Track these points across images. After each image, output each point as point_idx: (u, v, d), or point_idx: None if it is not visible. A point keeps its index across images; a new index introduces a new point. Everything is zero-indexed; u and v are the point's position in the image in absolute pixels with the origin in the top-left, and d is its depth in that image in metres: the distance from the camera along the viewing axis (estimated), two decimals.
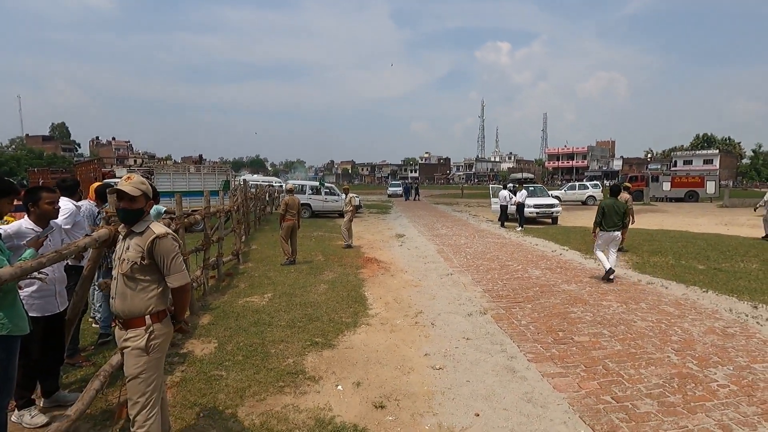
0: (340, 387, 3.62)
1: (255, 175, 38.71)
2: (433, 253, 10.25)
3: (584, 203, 29.76)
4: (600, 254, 7.34)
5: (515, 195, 15.77)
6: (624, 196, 10.36)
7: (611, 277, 7.10)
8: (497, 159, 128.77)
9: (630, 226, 10.38)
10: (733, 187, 53.53)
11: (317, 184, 20.95)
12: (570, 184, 34.38)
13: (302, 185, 20.69)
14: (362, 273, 7.99)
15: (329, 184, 21.73)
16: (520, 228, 14.80)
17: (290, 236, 8.82)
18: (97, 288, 4.65)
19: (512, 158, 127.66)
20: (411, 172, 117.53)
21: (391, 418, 3.16)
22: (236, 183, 17.43)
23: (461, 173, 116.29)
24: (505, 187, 16.87)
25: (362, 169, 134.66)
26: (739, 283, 6.92)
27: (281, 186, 24.77)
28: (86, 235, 3.19)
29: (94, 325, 4.83)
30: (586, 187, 31.32)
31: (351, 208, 11.20)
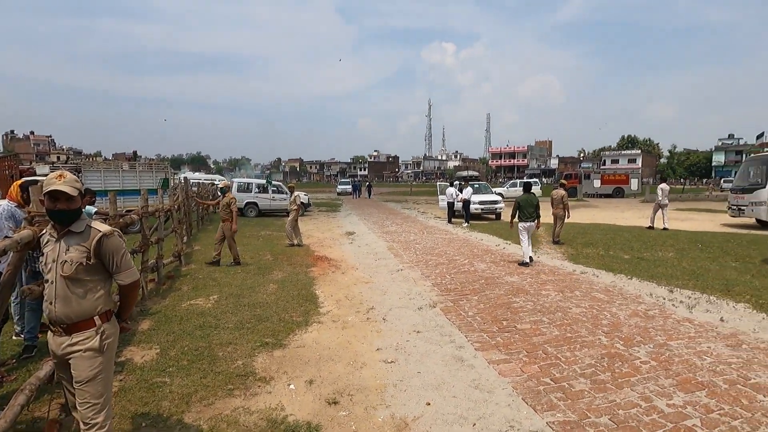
0: (292, 386, 3.58)
1: (197, 173, 36.86)
2: (384, 249, 10.35)
3: None
4: (524, 244, 8.39)
5: (461, 192, 16.32)
6: (560, 192, 11.10)
7: (528, 262, 8.24)
8: (444, 157, 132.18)
9: (566, 220, 11.16)
10: (653, 184, 58.95)
11: (264, 182, 20.38)
12: (512, 181, 36.10)
13: (248, 183, 20.04)
14: (312, 271, 7.91)
15: (277, 182, 21.20)
16: (466, 224, 15.34)
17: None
18: (14, 297, 4.24)
19: (458, 157, 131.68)
20: (360, 170, 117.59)
21: (344, 413, 3.18)
22: (176, 181, 16.49)
23: (409, 171, 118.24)
24: (451, 185, 17.41)
25: (311, 167, 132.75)
26: (658, 270, 7.66)
27: None
28: (5, 237, 2.90)
29: (14, 337, 4.40)
30: None
31: (296, 206, 11.01)
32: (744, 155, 53.18)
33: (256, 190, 19.34)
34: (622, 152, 77.96)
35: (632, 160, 72.88)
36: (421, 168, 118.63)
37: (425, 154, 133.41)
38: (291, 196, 11.32)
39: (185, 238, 10.52)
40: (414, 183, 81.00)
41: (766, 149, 28.30)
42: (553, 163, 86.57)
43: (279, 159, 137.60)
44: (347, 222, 17.09)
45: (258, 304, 5.76)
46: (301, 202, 14.30)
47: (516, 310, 5.54)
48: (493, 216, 17.83)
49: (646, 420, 3.01)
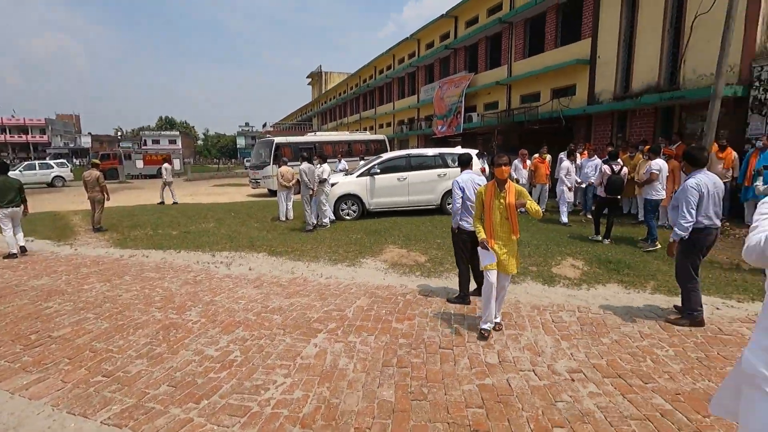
0: None
1: None
2: None
3: (51, 185, 25.80)
4: (7, 234, 7.32)
5: None
6: (94, 173, 9.89)
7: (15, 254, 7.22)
8: None
9: (106, 204, 10.14)
10: (194, 164, 63.91)
11: None
12: (28, 163, 28.29)
13: None
14: None
15: None
16: None
17: None
18: None
19: None
20: None
21: None
22: None
23: None
24: None
25: None
26: (203, 239, 8.53)
27: None
28: None
29: None
30: (50, 167, 27.10)
31: None
32: (256, 139, 67.48)
33: None
34: (162, 133, 78.94)
35: (173, 141, 75.35)
36: None
37: None
38: None
39: None
40: None
41: (268, 135, 37.51)
42: (86, 141, 75.03)
43: None
44: None
45: None
46: None
47: (50, 316, 4.57)
48: None
49: (200, 370, 3.38)
